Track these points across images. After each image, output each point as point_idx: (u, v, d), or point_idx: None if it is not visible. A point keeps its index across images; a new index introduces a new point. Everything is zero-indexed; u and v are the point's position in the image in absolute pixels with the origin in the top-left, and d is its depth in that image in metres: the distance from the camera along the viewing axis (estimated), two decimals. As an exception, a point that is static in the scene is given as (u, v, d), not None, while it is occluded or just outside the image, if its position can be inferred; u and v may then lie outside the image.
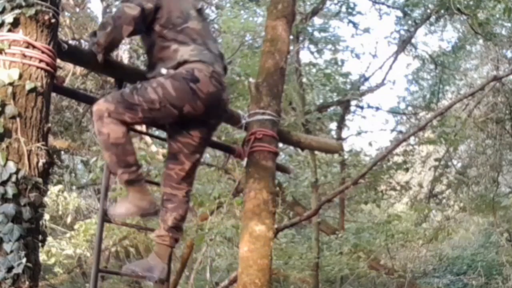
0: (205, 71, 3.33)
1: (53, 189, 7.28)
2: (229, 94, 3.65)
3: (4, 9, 2.89)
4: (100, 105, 3.21)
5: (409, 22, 10.57)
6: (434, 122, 7.75)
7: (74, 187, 9.63)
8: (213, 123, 3.54)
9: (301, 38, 9.64)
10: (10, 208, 2.66)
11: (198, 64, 3.34)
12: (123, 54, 8.58)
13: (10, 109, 2.79)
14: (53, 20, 2.97)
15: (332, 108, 10.73)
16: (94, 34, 3.44)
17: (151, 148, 8.51)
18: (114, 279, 11.32)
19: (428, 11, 10.26)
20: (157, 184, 4.56)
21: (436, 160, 10.84)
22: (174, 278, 8.51)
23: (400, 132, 11.88)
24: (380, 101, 23.51)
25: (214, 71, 3.36)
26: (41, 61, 2.92)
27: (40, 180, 2.81)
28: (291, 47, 7.79)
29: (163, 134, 4.65)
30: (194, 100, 3.29)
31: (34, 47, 2.90)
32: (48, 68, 2.96)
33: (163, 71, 3.33)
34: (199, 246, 8.60)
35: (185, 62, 3.34)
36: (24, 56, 2.88)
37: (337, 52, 10.17)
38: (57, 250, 7.45)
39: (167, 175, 3.53)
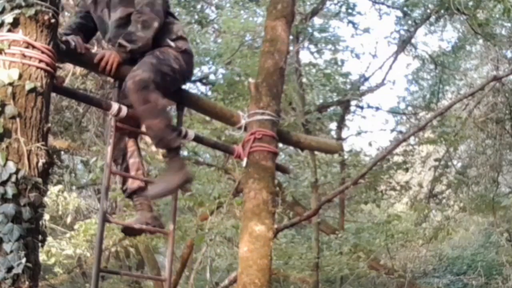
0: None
1: (53, 189, 7.27)
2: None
3: (4, 9, 2.89)
4: (143, 75, 3.33)
5: (409, 22, 10.56)
6: (434, 122, 7.76)
7: (74, 187, 9.62)
8: None
9: (301, 38, 9.64)
10: (10, 208, 2.65)
11: (186, 40, 3.73)
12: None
13: (10, 109, 2.79)
14: (53, 20, 2.97)
15: (332, 108, 10.73)
16: (128, 35, 3.46)
17: (151, 148, 8.51)
18: (114, 279, 11.33)
19: (428, 11, 10.25)
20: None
21: (436, 160, 10.83)
22: (174, 278, 8.52)
23: (400, 132, 11.87)
24: (380, 101, 23.52)
25: None
26: (41, 61, 2.92)
27: (40, 180, 2.81)
28: (291, 47, 7.80)
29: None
30: (192, 71, 3.79)
31: (34, 47, 2.90)
32: (48, 68, 2.96)
33: (171, 43, 3.59)
34: (199, 246, 8.61)
35: (181, 37, 3.67)
36: (24, 56, 2.88)
37: (337, 52, 10.17)
38: (57, 250, 7.44)
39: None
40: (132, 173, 3.70)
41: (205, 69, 9.88)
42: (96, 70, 3.55)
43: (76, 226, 7.67)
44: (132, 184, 3.71)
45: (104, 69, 3.42)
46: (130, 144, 3.73)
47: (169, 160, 3.47)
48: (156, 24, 3.49)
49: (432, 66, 11.62)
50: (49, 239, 6.92)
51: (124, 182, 3.74)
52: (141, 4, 3.51)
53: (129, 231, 3.79)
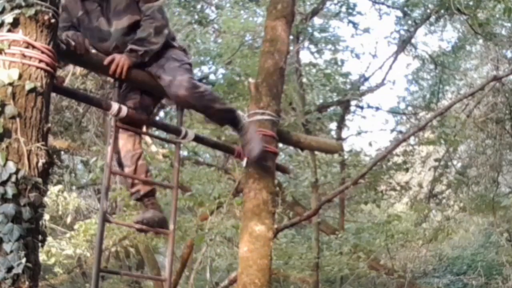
0: None
1: (53, 189, 7.27)
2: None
3: (4, 9, 2.88)
4: (184, 78, 3.58)
5: (409, 22, 10.57)
6: (434, 122, 7.75)
7: (74, 187, 9.62)
8: None
9: (301, 38, 9.64)
10: (10, 208, 2.65)
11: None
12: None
13: (10, 109, 2.78)
14: (53, 20, 2.97)
15: (332, 108, 10.73)
16: (140, 41, 3.53)
17: (151, 148, 8.51)
18: (114, 279, 11.33)
19: (428, 11, 10.26)
20: (159, 185, 4.56)
21: (436, 160, 10.83)
22: (174, 278, 8.52)
23: (400, 132, 11.87)
24: (380, 101, 23.46)
25: None
26: (41, 61, 2.91)
27: (40, 180, 2.80)
28: (291, 47, 7.79)
29: (163, 134, 4.64)
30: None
31: (34, 47, 2.90)
32: (48, 68, 2.95)
33: (173, 43, 3.77)
34: (199, 246, 8.60)
35: (174, 37, 3.89)
36: (24, 56, 2.87)
37: (337, 52, 10.17)
38: (57, 250, 7.45)
39: None
40: (142, 175, 3.71)
41: (205, 69, 9.89)
42: (96, 70, 3.57)
43: (76, 226, 7.67)
44: (145, 185, 3.72)
45: (114, 72, 3.47)
46: (137, 147, 3.73)
47: (239, 125, 3.94)
48: (166, 31, 3.63)
49: (432, 66, 11.62)
50: (49, 239, 6.92)
51: (133, 185, 3.73)
52: (151, 10, 3.57)
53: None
